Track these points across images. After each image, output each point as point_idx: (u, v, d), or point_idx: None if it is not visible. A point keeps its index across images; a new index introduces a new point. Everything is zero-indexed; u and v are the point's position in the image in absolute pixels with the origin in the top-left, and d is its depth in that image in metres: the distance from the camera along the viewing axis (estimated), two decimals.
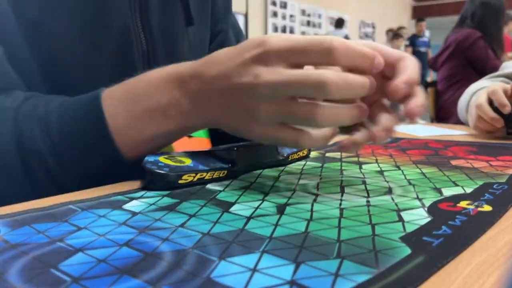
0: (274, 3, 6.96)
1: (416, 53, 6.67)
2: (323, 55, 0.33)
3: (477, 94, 0.91)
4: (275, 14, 7.01)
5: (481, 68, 2.14)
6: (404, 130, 0.87)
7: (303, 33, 7.60)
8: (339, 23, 6.99)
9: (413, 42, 6.68)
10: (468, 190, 0.38)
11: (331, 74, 0.32)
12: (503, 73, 1.03)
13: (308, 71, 0.33)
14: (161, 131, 0.39)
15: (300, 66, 0.34)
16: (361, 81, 0.33)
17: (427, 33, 6.81)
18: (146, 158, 0.41)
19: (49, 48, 0.45)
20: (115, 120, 0.39)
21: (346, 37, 6.83)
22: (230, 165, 0.43)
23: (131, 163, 0.41)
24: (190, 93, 0.38)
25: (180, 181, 0.39)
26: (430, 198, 0.35)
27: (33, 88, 0.44)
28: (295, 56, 0.34)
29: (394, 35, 6.25)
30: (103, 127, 0.38)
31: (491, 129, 0.76)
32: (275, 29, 6.99)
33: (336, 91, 0.32)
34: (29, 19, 0.44)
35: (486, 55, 2.15)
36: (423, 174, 0.45)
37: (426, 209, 0.32)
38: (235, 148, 0.44)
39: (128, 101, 0.39)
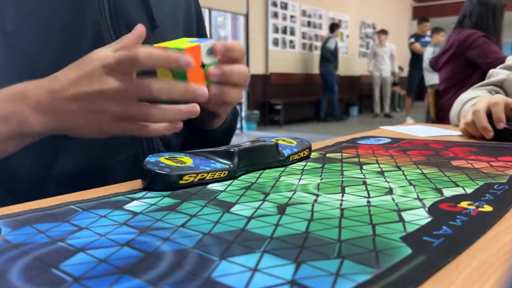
0: (274, 4, 6.96)
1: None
2: (133, 62, 0.41)
3: (475, 100, 0.91)
4: (275, 15, 7.01)
5: (484, 63, 2.13)
6: (405, 130, 0.87)
7: (303, 34, 7.61)
8: (331, 28, 7.21)
9: (417, 41, 6.65)
10: (469, 190, 0.38)
11: (157, 80, 0.42)
12: (491, 81, 1.01)
13: (142, 80, 0.42)
14: (2, 136, 0.42)
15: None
16: (184, 86, 0.42)
17: (428, 34, 6.78)
18: (147, 159, 0.41)
19: (28, 56, 0.47)
20: None
21: (336, 44, 7.01)
22: (231, 165, 0.43)
23: None
24: (33, 104, 0.42)
25: (181, 182, 0.39)
26: (430, 198, 0.35)
27: None
28: (123, 67, 0.41)
29: (420, 19, 6.23)
30: None
31: (477, 136, 0.76)
32: (276, 30, 7.00)
33: (158, 94, 0.41)
34: (7, 31, 0.46)
35: (486, 50, 2.13)
36: (424, 174, 0.45)
37: (426, 209, 0.32)
38: (236, 149, 0.44)
39: None
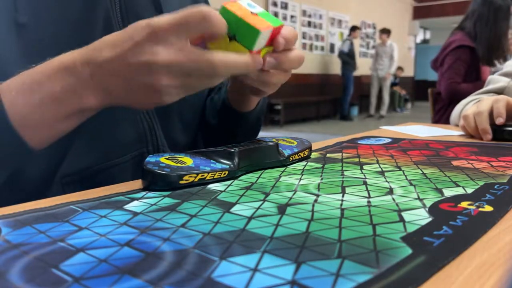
0: (275, 4, 6.97)
1: None
2: (202, 23, 0.38)
3: (477, 100, 0.91)
4: (275, 15, 7.01)
5: (441, 78, 2.06)
6: (405, 130, 0.87)
7: (304, 34, 7.61)
8: (350, 30, 7.59)
9: None
10: (469, 190, 0.38)
11: (217, 54, 0.38)
12: (491, 88, 0.99)
13: (199, 52, 0.38)
14: (58, 116, 0.40)
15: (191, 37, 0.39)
16: (244, 59, 0.40)
17: (428, 34, 6.65)
18: (148, 159, 0.41)
19: (39, 48, 0.47)
20: (14, 110, 0.39)
21: (350, 46, 7.23)
22: (231, 165, 0.43)
23: (38, 149, 0.42)
24: (83, 78, 0.40)
25: (181, 182, 0.39)
26: (431, 199, 0.35)
27: None
28: (181, 29, 0.38)
29: None
30: (3, 117, 0.39)
31: (473, 134, 0.76)
32: None
33: (223, 68, 0.39)
34: (20, 22, 0.45)
35: (449, 66, 2.00)
36: (424, 174, 0.45)
37: (427, 209, 0.32)
38: (236, 149, 0.44)
39: (24, 91, 0.40)
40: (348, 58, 7.36)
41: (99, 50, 0.40)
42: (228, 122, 0.62)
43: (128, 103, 0.42)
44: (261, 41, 0.41)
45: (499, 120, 0.71)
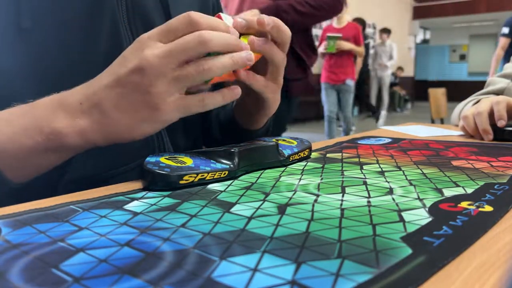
0: None
1: None
2: (188, 26, 0.38)
3: (476, 100, 0.91)
4: None
5: None
6: (405, 130, 0.87)
7: None
8: None
9: None
10: (469, 190, 0.38)
11: (205, 31, 0.38)
12: (490, 90, 0.98)
13: (186, 36, 0.38)
14: (39, 148, 0.39)
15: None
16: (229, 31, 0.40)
17: (428, 34, 6.54)
18: (148, 159, 0.41)
19: (44, 53, 0.46)
20: None
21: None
22: (231, 165, 0.43)
23: (19, 185, 0.41)
24: (69, 108, 0.39)
25: (181, 182, 0.39)
26: (431, 199, 0.35)
27: (23, 95, 0.44)
28: (168, 35, 0.38)
29: None
30: None
31: (473, 134, 0.75)
32: None
33: (214, 42, 0.38)
34: (23, 27, 0.45)
35: None
36: (424, 174, 0.45)
37: (427, 209, 0.32)
38: (236, 149, 0.44)
39: (7, 118, 0.39)
40: None
41: (91, 81, 0.40)
42: (235, 137, 0.61)
43: (123, 129, 0.40)
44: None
45: (501, 123, 0.71)
